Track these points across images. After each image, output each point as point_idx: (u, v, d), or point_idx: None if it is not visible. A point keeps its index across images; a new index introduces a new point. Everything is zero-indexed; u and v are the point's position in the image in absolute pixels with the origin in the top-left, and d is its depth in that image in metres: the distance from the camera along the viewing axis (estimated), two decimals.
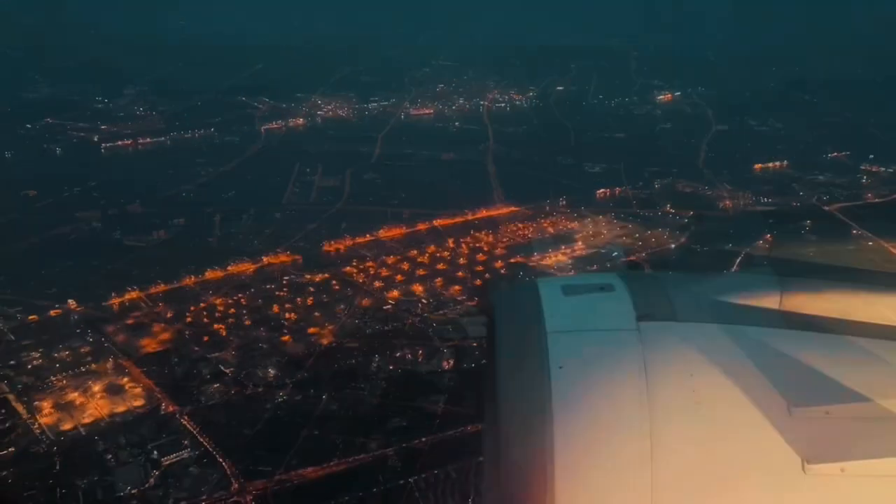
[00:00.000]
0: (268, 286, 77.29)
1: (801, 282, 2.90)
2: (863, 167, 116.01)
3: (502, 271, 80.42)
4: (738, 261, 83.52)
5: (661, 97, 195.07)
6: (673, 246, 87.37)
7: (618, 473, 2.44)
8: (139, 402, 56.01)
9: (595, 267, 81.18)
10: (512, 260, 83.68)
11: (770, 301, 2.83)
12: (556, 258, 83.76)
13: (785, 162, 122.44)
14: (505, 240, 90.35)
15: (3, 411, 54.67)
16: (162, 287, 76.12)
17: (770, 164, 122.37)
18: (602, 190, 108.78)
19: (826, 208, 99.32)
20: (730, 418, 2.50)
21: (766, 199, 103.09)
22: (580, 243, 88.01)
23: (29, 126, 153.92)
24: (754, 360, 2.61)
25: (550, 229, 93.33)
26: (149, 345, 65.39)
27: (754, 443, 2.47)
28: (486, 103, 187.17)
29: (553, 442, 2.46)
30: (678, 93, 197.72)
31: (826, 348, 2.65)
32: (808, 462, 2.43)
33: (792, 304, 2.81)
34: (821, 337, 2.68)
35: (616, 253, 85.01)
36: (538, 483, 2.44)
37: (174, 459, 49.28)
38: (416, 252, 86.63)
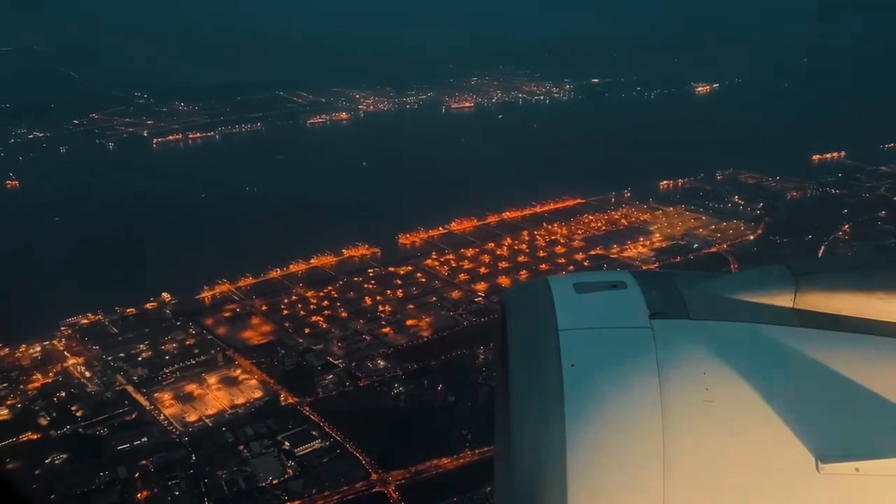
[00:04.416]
0: (355, 279, 77.46)
1: (815, 279, 2.84)
2: None
3: (585, 264, 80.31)
4: (820, 252, 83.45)
5: (699, 89, 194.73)
6: (752, 237, 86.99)
7: (630, 472, 2.43)
8: (258, 394, 56.29)
9: (678, 259, 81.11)
10: (592, 252, 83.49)
11: (784, 299, 2.79)
12: (637, 250, 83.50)
13: (843, 153, 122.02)
14: (580, 232, 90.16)
15: (127, 402, 55.04)
16: (250, 280, 76.42)
17: (828, 155, 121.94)
18: (665, 181, 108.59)
19: None
20: (742, 417, 2.48)
21: (834, 191, 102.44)
22: (657, 235, 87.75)
23: (76, 122, 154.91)
24: (767, 359, 2.59)
25: (624, 221, 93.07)
26: (252, 337, 65.64)
27: (767, 442, 2.45)
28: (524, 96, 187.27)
29: (565, 440, 2.45)
30: (716, 84, 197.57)
31: (840, 347, 2.62)
32: (821, 461, 2.40)
33: (806, 302, 2.77)
34: (835, 335, 2.66)
35: (696, 245, 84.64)
36: (551, 482, 2.44)
37: (307, 450, 49.54)
38: (493, 244, 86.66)
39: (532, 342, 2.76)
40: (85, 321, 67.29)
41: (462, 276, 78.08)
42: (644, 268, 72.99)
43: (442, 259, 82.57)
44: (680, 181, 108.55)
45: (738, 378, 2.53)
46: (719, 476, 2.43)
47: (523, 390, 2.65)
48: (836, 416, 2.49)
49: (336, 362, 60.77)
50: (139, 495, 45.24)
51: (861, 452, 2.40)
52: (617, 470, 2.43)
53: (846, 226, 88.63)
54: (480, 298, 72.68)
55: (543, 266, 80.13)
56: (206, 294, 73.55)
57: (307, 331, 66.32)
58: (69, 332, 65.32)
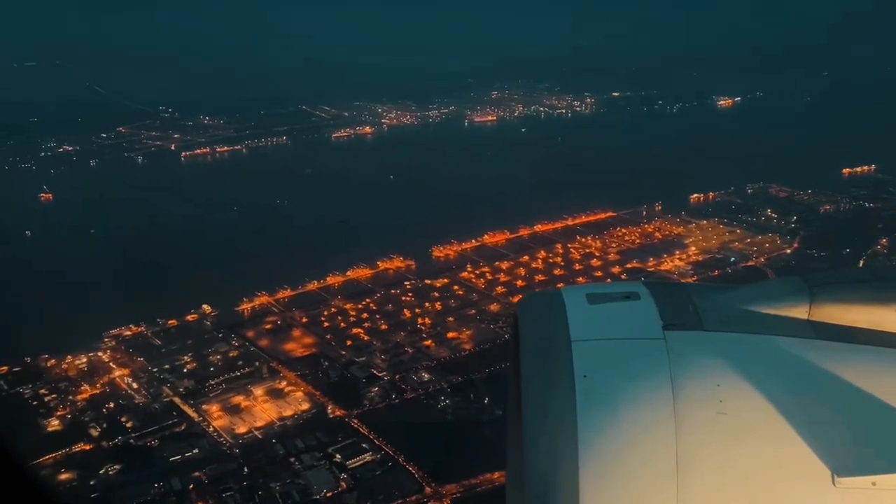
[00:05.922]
0: (392, 291, 77.48)
1: (830, 291, 2.78)
2: None
3: (623, 277, 79.94)
4: (860, 265, 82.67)
5: (721, 102, 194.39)
6: (788, 251, 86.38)
7: (643, 485, 2.39)
8: (305, 406, 56.20)
9: (716, 272, 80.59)
10: (629, 265, 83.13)
11: (798, 311, 2.74)
12: (674, 263, 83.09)
13: (872, 166, 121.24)
14: (614, 245, 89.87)
15: (175, 414, 55.15)
16: (288, 292, 76.58)
17: (858, 169, 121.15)
18: (695, 194, 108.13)
19: None
20: (757, 430, 2.42)
21: (867, 204, 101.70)
22: (693, 248, 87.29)
23: (104, 135, 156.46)
24: (782, 371, 2.55)
25: (658, 234, 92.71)
26: (294, 349, 65.69)
27: (782, 455, 2.39)
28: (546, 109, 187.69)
29: (578, 453, 2.42)
30: (738, 98, 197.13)
31: (856, 359, 2.57)
32: (837, 475, 2.34)
33: (821, 314, 2.72)
34: (851, 348, 2.60)
35: (733, 259, 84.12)
36: (563, 494, 2.40)
37: (359, 463, 49.31)
38: (527, 257, 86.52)
39: (544, 353, 2.74)
40: (128, 333, 67.58)
41: (499, 289, 77.92)
42: (683, 281, 72.56)
43: (478, 272, 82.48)
44: (711, 194, 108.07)
45: (752, 390, 2.50)
46: (733, 489, 2.40)
47: (536, 401, 2.63)
48: (852, 430, 2.45)
49: (380, 375, 60.65)
50: None
51: (878, 467, 2.37)
52: (630, 482, 2.41)
53: (884, 239, 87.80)
54: None
55: (581, 279, 79.77)
56: (246, 306, 73.73)
57: (349, 343, 66.29)
58: (113, 343, 65.60)
